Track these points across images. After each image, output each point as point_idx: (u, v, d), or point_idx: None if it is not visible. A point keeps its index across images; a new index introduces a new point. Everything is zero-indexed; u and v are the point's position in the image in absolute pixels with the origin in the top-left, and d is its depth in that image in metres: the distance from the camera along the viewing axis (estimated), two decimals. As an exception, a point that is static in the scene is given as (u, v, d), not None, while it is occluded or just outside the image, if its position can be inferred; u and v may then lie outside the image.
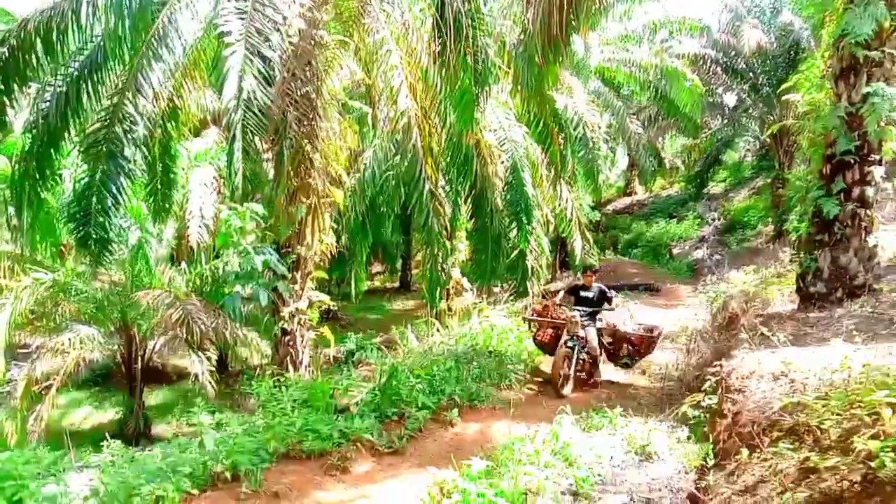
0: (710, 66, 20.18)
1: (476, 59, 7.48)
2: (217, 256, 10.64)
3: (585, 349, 9.10)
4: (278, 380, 7.76)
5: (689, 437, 6.28)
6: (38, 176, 8.03)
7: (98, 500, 4.88)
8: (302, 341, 9.20)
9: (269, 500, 5.26)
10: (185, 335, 9.54)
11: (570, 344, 8.91)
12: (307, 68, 8.14)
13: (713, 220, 25.42)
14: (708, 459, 5.10)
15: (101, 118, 7.65)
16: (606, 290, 9.70)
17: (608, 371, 9.82)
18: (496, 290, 13.03)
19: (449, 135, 9.22)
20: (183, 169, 9.89)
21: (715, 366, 5.93)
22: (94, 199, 7.52)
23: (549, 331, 9.76)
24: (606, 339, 9.69)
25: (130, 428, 10.04)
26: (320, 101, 8.77)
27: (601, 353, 9.54)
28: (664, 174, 30.76)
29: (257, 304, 9.38)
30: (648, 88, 20.26)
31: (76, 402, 12.16)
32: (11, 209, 11.14)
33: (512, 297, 12.46)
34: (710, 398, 5.55)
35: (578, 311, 9.26)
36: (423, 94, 8.77)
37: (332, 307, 11.08)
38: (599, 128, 15.96)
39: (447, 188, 10.65)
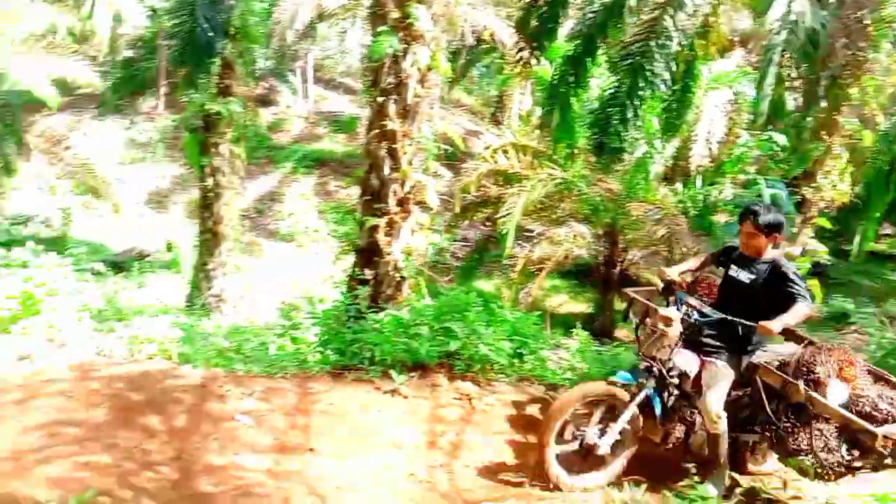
0: None
1: None
2: (712, 183, 10.47)
3: (677, 399, 4.20)
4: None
5: None
6: (572, 81, 8.89)
7: (574, 374, 5.54)
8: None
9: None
10: (665, 252, 9.81)
11: (643, 379, 4.16)
12: (870, -12, 7.09)
13: None
14: None
15: (638, 32, 7.95)
16: (790, 273, 4.09)
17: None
18: None
19: None
20: (700, 89, 9.79)
21: None
22: (616, 109, 7.97)
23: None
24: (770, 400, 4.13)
25: (597, 324, 10.94)
26: (874, 27, 7.61)
27: (762, 435, 4.22)
28: None
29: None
30: None
31: (556, 288, 13.74)
32: (539, 110, 12.86)
33: None
34: None
35: (692, 307, 4.26)
36: None
37: (823, 261, 10.02)
38: None
39: None
